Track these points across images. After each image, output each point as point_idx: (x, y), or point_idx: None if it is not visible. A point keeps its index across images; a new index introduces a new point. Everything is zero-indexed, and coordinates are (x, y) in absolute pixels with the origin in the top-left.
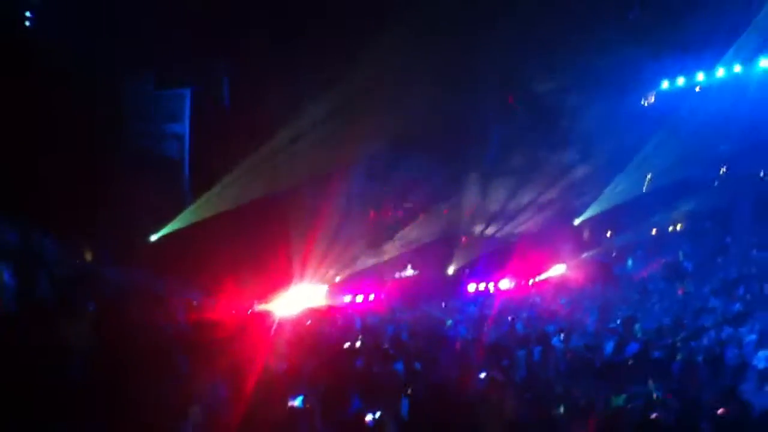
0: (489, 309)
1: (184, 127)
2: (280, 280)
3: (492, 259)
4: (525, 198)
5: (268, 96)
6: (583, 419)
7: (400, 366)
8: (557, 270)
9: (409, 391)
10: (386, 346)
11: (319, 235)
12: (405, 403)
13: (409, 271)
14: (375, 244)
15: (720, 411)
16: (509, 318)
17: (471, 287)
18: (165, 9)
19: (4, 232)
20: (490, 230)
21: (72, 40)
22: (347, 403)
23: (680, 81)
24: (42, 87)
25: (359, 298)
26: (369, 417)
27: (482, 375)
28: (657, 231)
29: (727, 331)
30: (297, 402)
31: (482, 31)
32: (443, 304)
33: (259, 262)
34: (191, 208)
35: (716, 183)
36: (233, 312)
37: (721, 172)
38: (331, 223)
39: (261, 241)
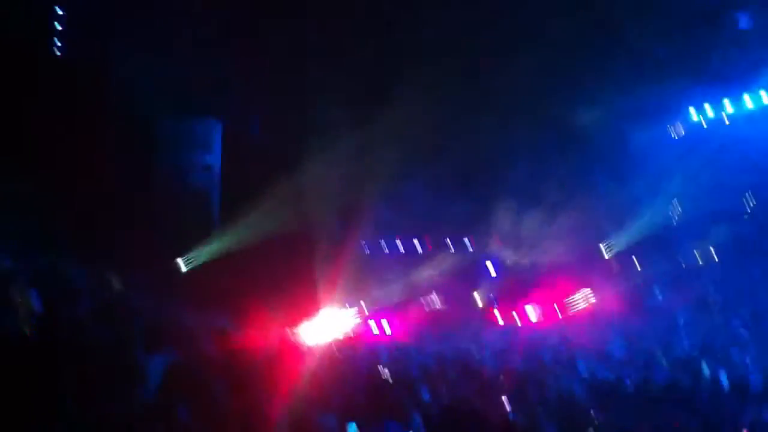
0: (517, 339)
1: (216, 158)
2: (307, 310)
3: (519, 288)
4: (553, 227)
5: (298, 129)
6: None
7: (426, 395)
8: (585, 300)
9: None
10: (414, 375)
11: (346, 265)
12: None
13: (437, 301)
14: (401, 274)
15: None
16: (536, 348)
17: (499, 318)
18: (197, 40)
19: (34, 259)
20: (517, 260)
21: (102, 66)
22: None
23: (709, 111)
24: (71, 114)
25: (386, 328)
26: None
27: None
28: (686, 262)
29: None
30: None
31: (510, 60)
32: (471, 335)
33: (287, 291)
34: (220, 238)
35: (746, 216)
36: (262, 341)
37: (750, 204)
38: (358, 254)
39: (288, 271)
